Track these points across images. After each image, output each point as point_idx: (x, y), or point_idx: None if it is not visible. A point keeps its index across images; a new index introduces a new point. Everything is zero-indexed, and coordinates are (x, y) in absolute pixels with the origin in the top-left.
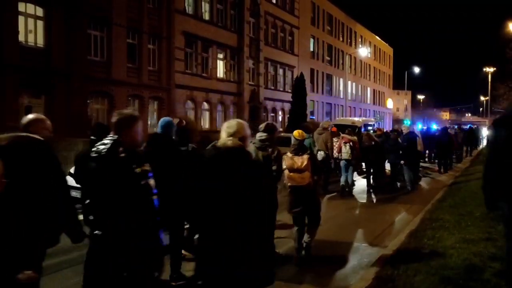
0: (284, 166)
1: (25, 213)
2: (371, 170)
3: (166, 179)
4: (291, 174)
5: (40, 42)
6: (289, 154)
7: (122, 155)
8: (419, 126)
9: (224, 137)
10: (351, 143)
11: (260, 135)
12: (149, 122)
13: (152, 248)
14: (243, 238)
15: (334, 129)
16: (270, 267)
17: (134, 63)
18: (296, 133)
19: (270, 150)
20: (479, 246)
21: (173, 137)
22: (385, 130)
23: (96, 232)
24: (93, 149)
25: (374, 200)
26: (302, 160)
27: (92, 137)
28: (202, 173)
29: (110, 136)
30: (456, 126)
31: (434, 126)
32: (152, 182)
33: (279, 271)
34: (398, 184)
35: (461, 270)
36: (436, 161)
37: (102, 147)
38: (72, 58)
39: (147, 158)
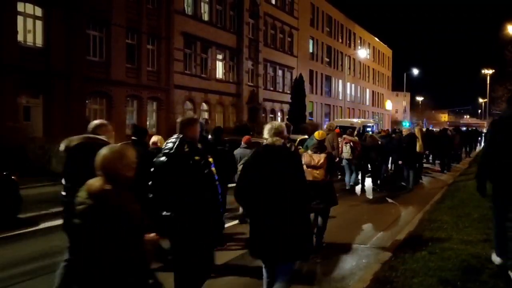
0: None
1: None
2: (374, 170)
3: None
4: (308, 169)
5: (39, 42)
6: (309, 151)
7: (187, 149)
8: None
9: (266, 135)
10: (351, 143)
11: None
12: (147, 123)
13: (218, 225)
14: (286, 215)
15: (337, 130)
16: (308, 242)
17: (133, 63)
18: (317, 134)
19: (288, 145)
20: (477, 248)
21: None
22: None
23: (165, 213)
24: (164, 146)
25: (374, 201)
26: (319, 158)
27: (134, 138)
28: (257, 164)
29: (176, 135)
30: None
31: (430, 128)
32: (214, 170)
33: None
34: (403, 183)
35: (459, 272)
36: (437, 161)
37: (170, 144)
38: (71, 58)
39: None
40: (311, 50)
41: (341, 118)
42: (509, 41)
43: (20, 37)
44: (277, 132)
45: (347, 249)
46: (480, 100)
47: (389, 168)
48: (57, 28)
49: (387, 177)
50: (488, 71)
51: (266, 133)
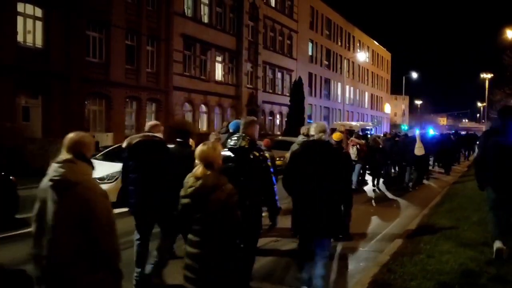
0: None
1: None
2: (377, 171)
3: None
4: None
5: (39, 42)
6: None
7: (247, 146)
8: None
9: (313, 133)
10: (358, 146)
11: (301, 138)
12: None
13: (275, 209)
14: (327, 199)
15: (346, 132)
16: (341, 223)
17: (132, 64)
18: (335, 135)
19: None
20: (476, 251)
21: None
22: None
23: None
24: (229, 143)
25: (374, 203)
26: None
27: (179, 140)
28: (305, 155)
29: (238, 134)
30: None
31: (431, 131)
32: (269, 164)
33: (278, 275)
34: (410, 183)
35: (457, 275)
36: (440, 164)
37: (234, 142)
38: (70, 59)
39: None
40: (310, 53)
41: (340, 121)
42: (508, 46)
43: (19, 38)
44: (322, 130)
45: (345, 251)
46: (479, 104)
47: (394, 169)
48: (57, 29)
49: (392, 178)
50: (486, 76)
51: (312, 131)
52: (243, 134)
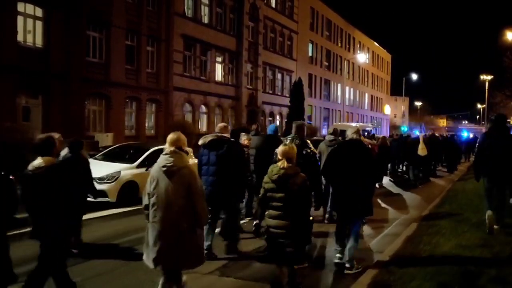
0: None
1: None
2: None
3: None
4: None
5: (39, 42)
6: None
7: (298, 143)
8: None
9: (349, 134)
10: (369, 146)
11: (329, 137)
12: (146, 125)
13: (320, 194)
14: (360, 186)
15: None
16: (371, 206)
17: (132, 65)
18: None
19: (335, 146)
20: (475, 252)
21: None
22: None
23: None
24: (285, 142)
25: (375, 203)
26: None
27: (232, 139)
28: (342, 151)
29: (292, 135)
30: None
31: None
32: (317, 158)
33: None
34: (417, 182)
35: (456, 276)
36: (445, 164)
37: (288, 141)
38: (70, 59)
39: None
40: (310, 54)
41: (340, 122)
42: (508, 48)
43: (19, 37)
44: (355, 132)
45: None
46: (479, 105)
47: (400, 168)
48: (57, 29)
49: (398, 175)
50: (486, 77)
51: (349, 132)
52: (296, 135)
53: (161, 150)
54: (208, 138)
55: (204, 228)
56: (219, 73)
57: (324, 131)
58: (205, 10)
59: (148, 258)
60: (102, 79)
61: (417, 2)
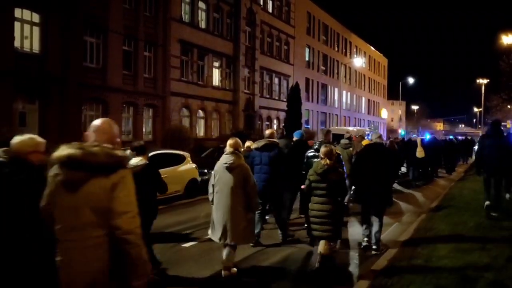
0: None
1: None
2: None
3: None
4: None
5: (36, 48)
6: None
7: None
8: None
9: (373, 138)
10: None
11: (344, 141)
12: (144, 130)
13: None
14: (383, 184)
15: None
16: (391, 199)
17: (129, 70)
18: (364, 142)
19: (351, 149)
20: (473, 256)
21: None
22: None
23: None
24: (315, 146)
25: None
26: None
27: (276, 140)
28: (367, 154)
29: (320, 140)
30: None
31: (428, 136)
32: (340, 158)
33: (275, 285)
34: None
35: (455, 280)
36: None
37: (317, 145)
38: (67, 64)
39: (300, 153)
40: (307, 58)
41: (337, 126)
42: (504, 52)
43: (17, 43)
44: (378, 136)
45: (343, 256)
46: (475, 109)
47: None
48: (54, 34)
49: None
50: (483, 81)
51: (373, 137)
52: (324, 140)
53: (160, 155)
54: (261, 142)
55: (256, 215)
56: (216, 77)
57: (321, 135)
58: (202, 15)
59: (213, 234)
60: (99, 84)
61: (413, 7)
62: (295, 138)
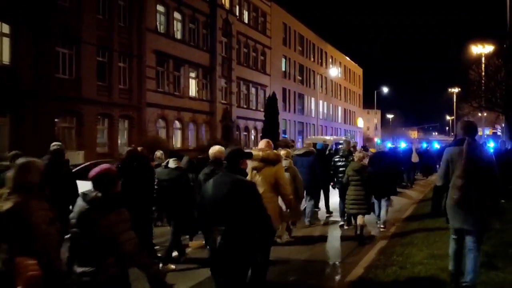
0: None
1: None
2: None
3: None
4: None
5: (6, 59)
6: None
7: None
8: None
9: (380, 148)
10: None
11: (343, 151)
12: (119, 141)
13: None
14: (385, 183)
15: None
16: (395, 189)
17: (104, 81)
18: (371, 150)
19: (350, 158)
20: (446, 262)
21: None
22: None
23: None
24: (340, 153)
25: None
26: None
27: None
28: (376, 160)
29: (344, 148)
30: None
31: (403, 144)
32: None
33: None
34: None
35: (428, 286)
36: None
37: (341, 153)
38: (39, 76)
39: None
40: (283, 69)
41: (314, 135)
42: (473, 61)
43: None
44: (382, 146)
45: (320, 265)
46: (448, 117)
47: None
48: (24, 46)
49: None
50: (454, 90)
51: (380, 147)
52: (346, 148)
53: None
54: (302, 150)
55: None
56: (193, 88)
57: (298, 145)
58: (177, 26)
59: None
60: (73, 95)
61: (387, 18)
62: (317, 148)
